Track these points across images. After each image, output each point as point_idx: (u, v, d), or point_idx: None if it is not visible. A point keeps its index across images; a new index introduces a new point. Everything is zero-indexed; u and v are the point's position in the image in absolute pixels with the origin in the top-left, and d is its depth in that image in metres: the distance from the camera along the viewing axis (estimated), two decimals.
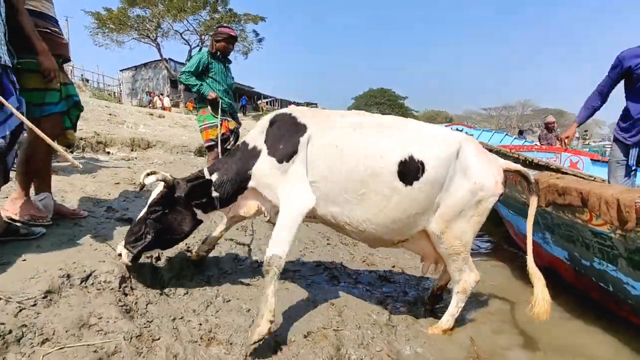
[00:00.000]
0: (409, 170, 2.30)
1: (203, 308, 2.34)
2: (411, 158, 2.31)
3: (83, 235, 2.53)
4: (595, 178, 2.95)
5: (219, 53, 4.03)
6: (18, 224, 2.39)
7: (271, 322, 2.06)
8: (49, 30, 2.46)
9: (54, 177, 3.76)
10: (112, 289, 2.13)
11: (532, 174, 3.28)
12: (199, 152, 7.72)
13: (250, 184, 2.47)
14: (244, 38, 31.90)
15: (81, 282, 2.06)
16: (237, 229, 3.50)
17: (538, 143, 8.15)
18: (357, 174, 2.32)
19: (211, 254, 2.93)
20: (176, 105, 31.08)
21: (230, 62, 4.26)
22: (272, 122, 2.51)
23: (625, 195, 2.32)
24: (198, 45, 31.01)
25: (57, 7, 2.67)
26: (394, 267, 3.72)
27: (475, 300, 3.38)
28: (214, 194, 2.41)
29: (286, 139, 2.41)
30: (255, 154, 2.46)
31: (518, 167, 2.65)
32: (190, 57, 30.82)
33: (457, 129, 10.14)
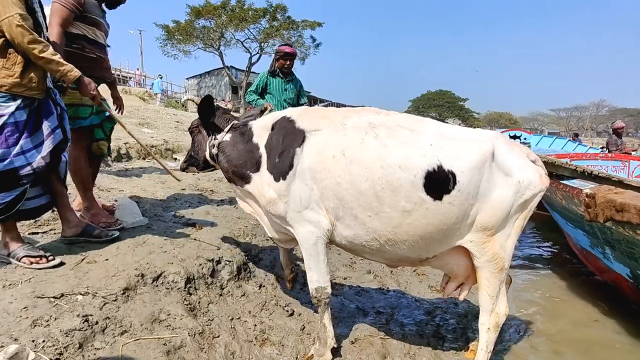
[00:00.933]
0: (438, 182, 1.95)
1: (258, 310, 2.52)
2: (440, 167, 1.94)
3: (154, 238, 2.81)
4: None
5: (277, 70, 4.25)
6: (93, 226, 2.69)
7: (334, 347, 2.20)
8: (95, 56, 2.80)
9: (129, 183, 4.18)
10: (178, 288, 2.37)
11: (588, 186, 3.14)
12: None
13: (252, 190, 2.29)
14: (302, 44, 32.62)
15: (153, 281, 2.31)
16: None
17: (606, 149, 7.58)
18: (371, 188, 1.98)
19: (268, 259, 3.13)
20: (237, 110, 32.42)
21: (291, 76, 4.38)
22: (272, 127, 2.26)
23: None
24: (257, 53, 32.19)
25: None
26: None
27: (537, 317, 3.28)
28: (214, 150, 2.40)
29: (282, 151, 2.14)
30: (255, 156, 2.26)
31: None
32: (250, 64, 32.20)
33: (514, 135, 9.74)
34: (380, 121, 2.11)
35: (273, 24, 30.95)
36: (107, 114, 2.98)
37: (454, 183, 1.94)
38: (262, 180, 2.20)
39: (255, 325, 2.34)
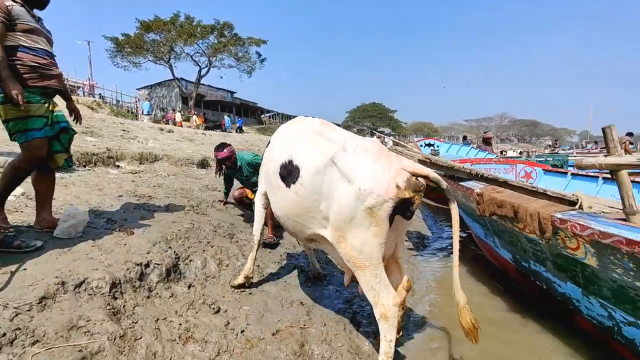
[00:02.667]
0: (287, 174, 2.33)
1: (185, 309, 2.40)
2: (290, 162, 2.32)
3: (81, 245, 2.58)
4: (537, 189, 3.02)
5: (227, 170, 4.45)
6: (12, 237, 2.41)
7: (247, 276, 2.86)
8: (36, 64, 2.49)
9: (63, 190, 3.83)
10: (102, 293, 2.19)
11: (479, 186, 3.36)
12: (201, 165, 7.76)
13: None
14: (248, 59, 32.16)
15: (74, 288, 2.12)
16: (224, 236, 3.56)
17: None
18: (267, 172, 2.66)
19: (198, 260, 2.99)
20: (187, 119, 31.18)
21: (235, 168, 4.33)
22: None
23: (544, 210, 2.41)
24: (207, 66, 31.21)
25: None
26: None
27: (442, 299, 3.44)
28: None
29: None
30: None
31: (427, 172, 2.01)
32: (199, 76, 31.15)
33: (428, 143, 10.30)
34: (302, 126, 2.55)
35: (221, 40, 30.21)
36: (63, 125, 2.70)
37: (297, 177, 2.24)
38: None
39: (181, 324, 2.22)
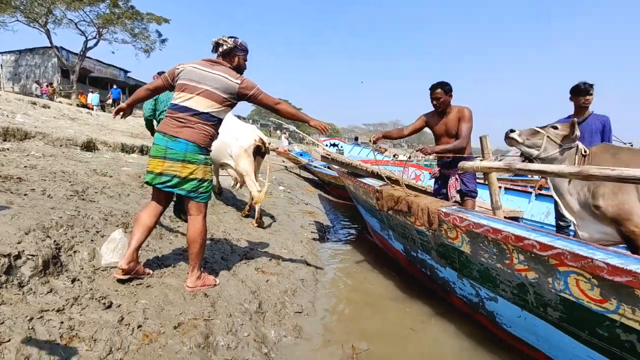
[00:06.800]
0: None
1: (68, 306, 2.09)
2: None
3: None
4: (425, 188, 3.40)
5: None
6: None
7: None
8: None
9: None
10: None
11: (378, 184, 3.67)
12: (87, 147, 6.82)
13: None
14: (146, 37, 29.25)
15: None
16: (117, 226, 3.20)
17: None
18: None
19: (85, 251, 2.64)
20: (67, 96, 27.11)
21: None
22: None
23: (432, 205, 2.75)
24: (95, 38, 27.46)
25: None
26: (270, 259, 3.78)
27: (340, 279, 3.63)
28: None
29: None
30: None
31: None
32: (85, 48, 27.23)
33: (333, 144, 10.85)
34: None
35: (114, 11, 26.82)
36: None
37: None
38: None
39: (62, 322, 1.93)
